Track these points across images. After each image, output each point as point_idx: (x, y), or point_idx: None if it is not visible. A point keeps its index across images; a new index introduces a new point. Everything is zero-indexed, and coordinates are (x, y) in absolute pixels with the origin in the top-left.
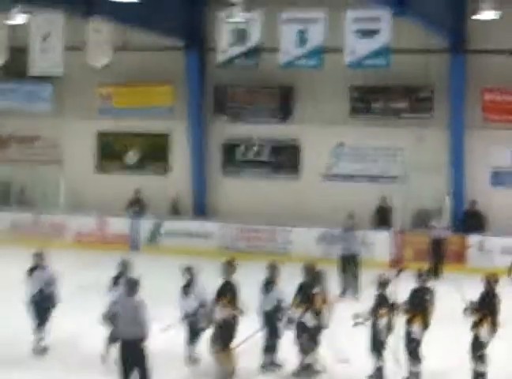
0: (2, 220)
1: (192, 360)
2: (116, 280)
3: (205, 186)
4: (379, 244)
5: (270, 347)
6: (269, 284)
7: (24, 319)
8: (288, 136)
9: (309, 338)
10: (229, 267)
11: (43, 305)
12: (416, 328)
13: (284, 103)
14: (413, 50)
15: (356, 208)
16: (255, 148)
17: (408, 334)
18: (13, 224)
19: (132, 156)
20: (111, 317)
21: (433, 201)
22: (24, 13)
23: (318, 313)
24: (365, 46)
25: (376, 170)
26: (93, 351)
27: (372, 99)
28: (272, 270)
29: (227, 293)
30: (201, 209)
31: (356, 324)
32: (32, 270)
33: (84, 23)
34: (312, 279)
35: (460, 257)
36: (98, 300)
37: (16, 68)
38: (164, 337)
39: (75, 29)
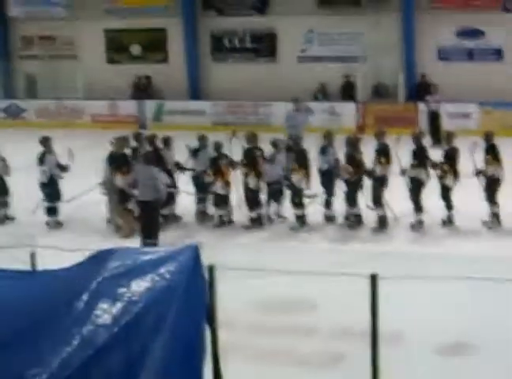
0: (30, 108)
1: None
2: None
3: (198, 72)
4: (347, 114)
5: None
6: None
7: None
8: (266, 26)
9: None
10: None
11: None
12: None
13: None
14: None
15: (326, 85)
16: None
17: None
18: (39, 110)
19: (136, 49)
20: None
21: (389, 77)
22: None
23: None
24: None
25: (341, 52)
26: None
27: None
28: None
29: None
30: (196, 91)
31: None
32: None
33: None
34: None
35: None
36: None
37: None
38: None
39: None
